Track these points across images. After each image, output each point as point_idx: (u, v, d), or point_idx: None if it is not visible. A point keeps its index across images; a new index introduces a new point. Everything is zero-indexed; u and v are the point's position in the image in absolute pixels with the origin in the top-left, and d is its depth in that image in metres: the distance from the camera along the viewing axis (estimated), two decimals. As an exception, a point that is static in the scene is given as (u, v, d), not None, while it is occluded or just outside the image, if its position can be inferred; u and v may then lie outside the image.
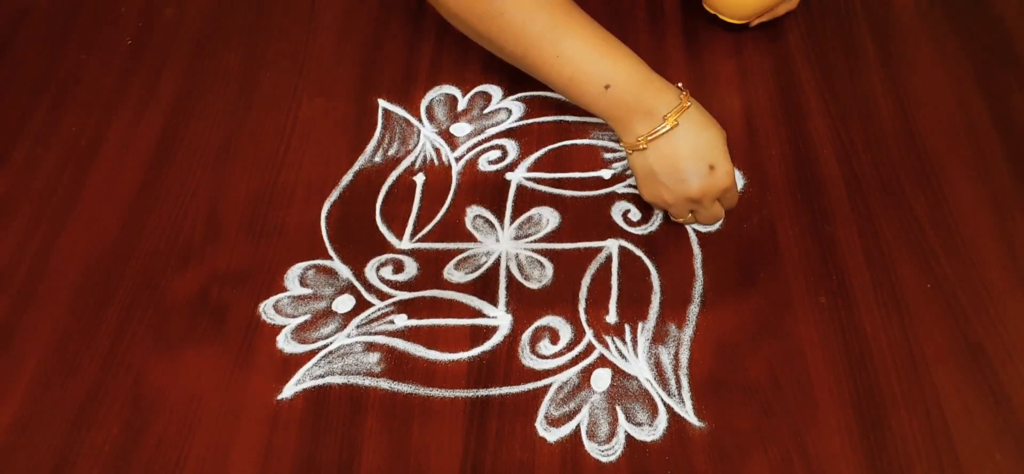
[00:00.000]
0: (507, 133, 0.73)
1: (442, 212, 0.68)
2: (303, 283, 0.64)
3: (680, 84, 0.60)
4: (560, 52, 0.59)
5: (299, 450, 0.56)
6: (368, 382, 0.59)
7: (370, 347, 0.60)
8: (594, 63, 0.59)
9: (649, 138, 0.58)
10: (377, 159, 0.72)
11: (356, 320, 0.62)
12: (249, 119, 0.75)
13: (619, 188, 0.69)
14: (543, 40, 0.59)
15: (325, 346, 0.60)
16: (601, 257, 0.65)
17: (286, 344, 0.61)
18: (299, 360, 0.60)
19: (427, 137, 0.73)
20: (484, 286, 0.63)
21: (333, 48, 0.80)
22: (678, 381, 0.58)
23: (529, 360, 0.59)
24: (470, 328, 0.61)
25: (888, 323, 0.60)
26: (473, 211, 0.68)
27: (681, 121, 0.58)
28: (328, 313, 0.62)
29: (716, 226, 0.65)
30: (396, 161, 0.71)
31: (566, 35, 0.59)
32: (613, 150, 0.71)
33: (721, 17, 0.77)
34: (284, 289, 0.64)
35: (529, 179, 0.70)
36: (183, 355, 0.60)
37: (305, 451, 0.55)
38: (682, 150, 0.58)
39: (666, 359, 0.59)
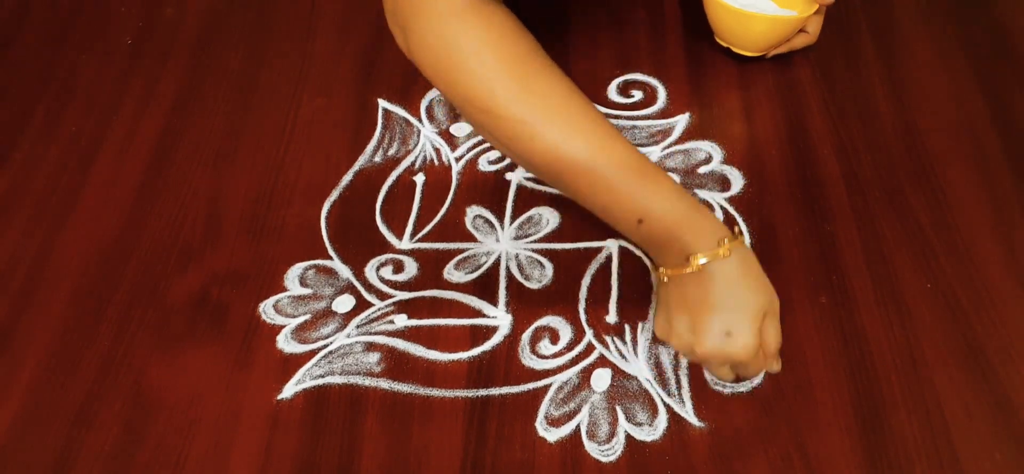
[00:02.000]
0: (507, 133, 0.73)
1: (442, 212, 0.68)
2: (303, 283, 0.64)
3: (738, 228, 0.54)
4: (594, 181, 0.53)
5: (299, 450, 0.56)
6: (368, 382, 0.59)
7: (370, 347, 0.60)
8: (628, 197, 0.53)
9: (670, 272, 0.53)
10: (377, 159, 0.72)
11: (356, 320, 0.62)
12: (249, 119, 0.75)
13: (619, 188, 0.68)
14: (577, 167, 0.52)
15: (325, 346, 0.60)
16: (601, 257, 0.65)
17: (286, 344, 0.61)
18: (299, 360, 0.60)
19: (427, 137, 0.73)
20: (484, 286, 0.63)
21: (333, 48, 0.80)
22: (678, 381, 0.58)
23: (529, 360, 0.59)
24: (470, 328, 0.61)
25: (888, 323, 0.60)
26: (473, 211, 0.68)
27: (713, 268, 0.51)
28: (328, 313, 0.62)
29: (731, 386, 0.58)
30: (396, 161, 0.71)
31: (601, 163, 0.52)
32: (613, 150, 0.71)
33: (734, 50, 0.76)
34: (284, 289, 0.64)
35: (529, 179, 0.70)
36: (183, 355, 0.60)
37: (305, 451, 0.55)
38: (700, 299, 0.52)
39: (666, 359, 0.59)
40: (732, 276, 0.51)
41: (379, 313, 0.62)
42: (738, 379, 0.57)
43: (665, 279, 0.54)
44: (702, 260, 0.51)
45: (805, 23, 0.73)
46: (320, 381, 0.59)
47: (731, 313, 0.51)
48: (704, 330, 0.52)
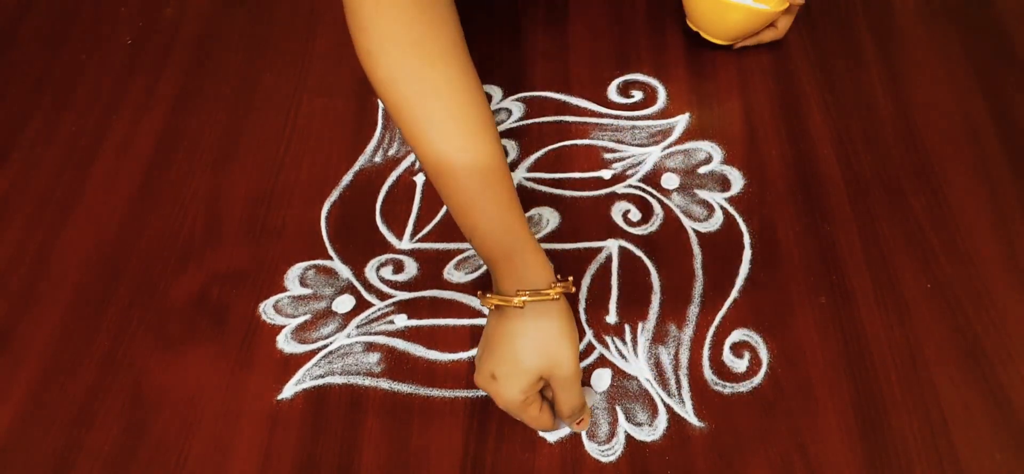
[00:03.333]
0: (507, 133, 0.73)
1: (442, 212, 0.68)
2: (303, 283, 0.64)
3: (570, 278, 0.53)
4: (444, 180, 0.53)
5: (299, 450, 0.56)
6: (368, 382, 0.59)
7: (370, 347, 0.60)
8: (465, 205, 0.53)
9: (493, 305, 0.52)
10: (377, 159, 0.72)
11: (356, 320, 0.62)
12: (249, 119, 0.75)
13: (619, 188, 0.69)
14: (435, 166, 0.53)
15: (325, 346, 0.60)
16: (601, 257, 0.65)
17: (286, 344, 0.61)
18: (299, 360, 0.60)
19: (427, 137, 0.73)
20: (484, 286, 0.63)
21: (333, 48, 0.80)
22: (678, 381, 0.58)
23: (529, 360, 0.59)
24: (470, 328, 0.61)
25: (888, 323, 0.60)
26: (473, 211, 0.68)
27: (505, 311, 0.51)
28: (328, 313, 0.62)
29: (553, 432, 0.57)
30: (396, 161, 0.71)
31: (454, 164, 0.52)
32: (613, 150, 0.71)
33: (704, 36, 0.76)
34: (284, 289, 0.64)
35: (529, 179, 0.70)
36: (183, 355, 0.60)
37: (305, 451, 0.55)
38: (488, 333, 0.53)
39: (666, 359, 0.59)
40: (518, 328, 0.51)
41: (379, 313, 0.62)
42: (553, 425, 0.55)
43: (486, 307, 0.53)
44: (522, 299, 0.50)
45: (776, 18, 0.74)
46: (320, 381, 0.59)
47: (502, 362, 0.51)
48: (479, 362, 0.53)
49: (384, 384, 0.58)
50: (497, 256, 0.52)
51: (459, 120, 0.52)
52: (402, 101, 0.52)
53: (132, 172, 0.71)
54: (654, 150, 0.71)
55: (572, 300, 0.62)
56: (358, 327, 0.61)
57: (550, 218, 0.67)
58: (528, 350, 0.51)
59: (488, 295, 0.52)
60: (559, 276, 0.53)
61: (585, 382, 0.58)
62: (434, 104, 0.52)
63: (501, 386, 0.51)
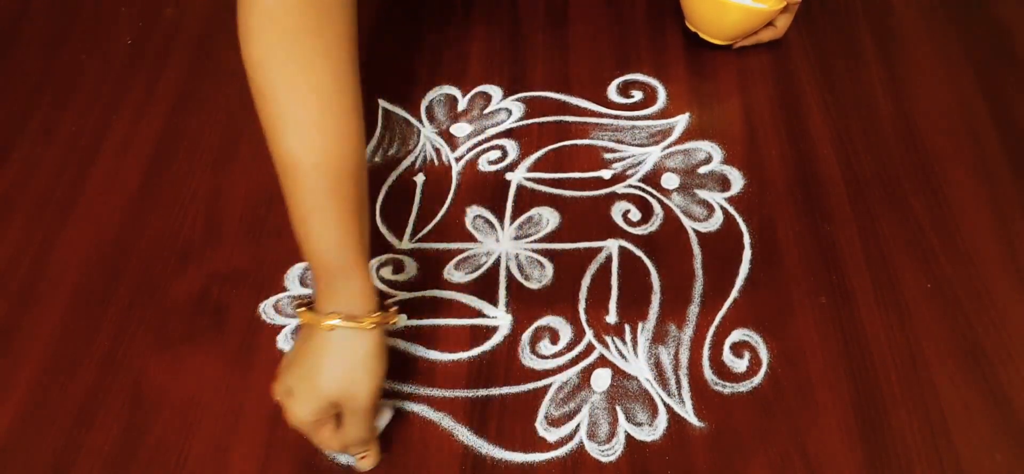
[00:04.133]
0: (507, 133, 0.73)
1: (442, 212, 0.68)
2: (303, 283, 0.64)
3: (395, 309, 0.52)
4: (285, 182, 0.51)
5: (299, 450, 0.55)
6: (368, 382, 0.59)
7: (370, 347, 0.60)
8: (302, 214, 0.51)
9: (304, 322, 0.51)
10: (377, 159, 0.72)
11: (356, 320, 0.62)
12: (249, 119, 0.74)
13: (619, 188, 0.69)
14: (281, 163, 0.51)
15: (325, 346, 0.60)
16: (601, 257, 0.65)
17: (286, 344, 0.61)
18: (299, 360, 0.60)
19: (427, 137, 0.73)
20: (484, 286, 0.63)
21: (333, 48, 0.80)
22: (678, 381, 0.58)
23: (529, 360, 0.59)
24: (470, 328, 0.61)
25: (888, 323, 0.60)
26: (473, 211, 0.68)
27: (335, 335, 0.49)
28: (328, 313, 0.62)
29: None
30: (396, 161, 0.71)
31: (299, 167, 0.50)
32: (613, 150, 0.71)
33: (702, 36, 0.76)
34: (284, 289, 0.64)
35: (529, 179, 0.70)
36: (183, 355, 0.60)
37: (305, 451, 0.55)
38: (305, 351, 0.50)
39: (666, 359, 0.59)
40: (323, 350, 0.50)
41: (379, 313, 0.62)
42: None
43: (300, 315, 0.52)
44: (332, 322, 0.49)
45: (775, 17, 0.74)
46: (320, 381, 0.59)
47: (301, 380, 0.50)
48: (280, 372, 0.51)
49: (384, 384, 0.58)
50: (322, 272, 0.51)
51: (319, 123, 0.50)
52: (266, 87, 0.51)
53: (132, 172, 0.71)
54: (654, 150, 0.71)
55: (572, 300, 0.62)
56: (358, 327, 0.61)
57: (550, 218, 0.67)
58: (327, 375, 0.49)
59: (302, 308, 0.51)
60: (391, 305, 0.52)
61: (585, 382, 0.58)
62: (297, 99, 0.50)
63: (295, 403, 0.50)
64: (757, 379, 0.58)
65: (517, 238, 0.66)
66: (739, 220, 0.66)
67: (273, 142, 0.51)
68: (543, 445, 0.55)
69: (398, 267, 0.65)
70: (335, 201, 0.51)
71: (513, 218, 0.67)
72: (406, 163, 0.71)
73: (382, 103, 0.75)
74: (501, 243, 0.66)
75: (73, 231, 0.68)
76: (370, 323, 0.50)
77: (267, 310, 0.62)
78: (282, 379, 0.51)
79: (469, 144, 0.72)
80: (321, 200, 0.50)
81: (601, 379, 0.58)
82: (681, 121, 0.73)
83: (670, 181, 0.69)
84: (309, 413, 0.50)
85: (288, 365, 0.51)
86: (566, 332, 0.61)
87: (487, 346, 0.60)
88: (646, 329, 0.60)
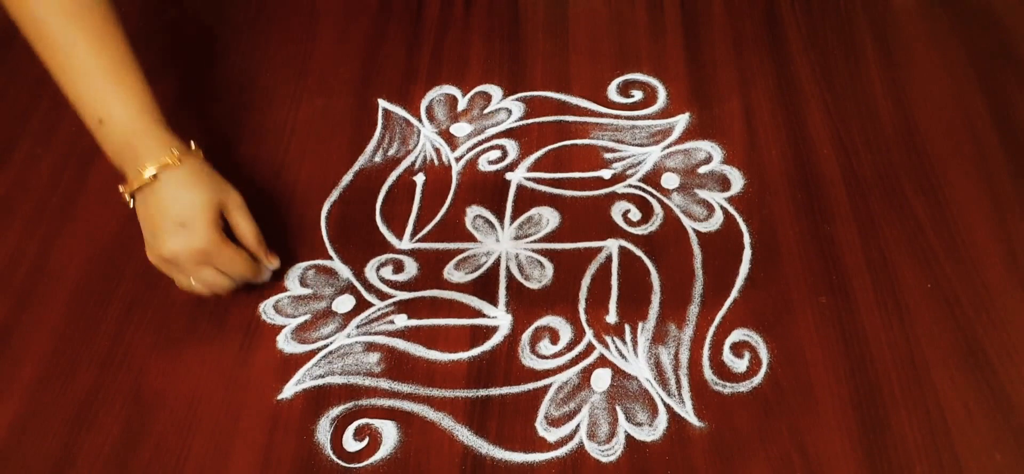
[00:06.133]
0: (507, 133, 0.73)
1: (442, 212, 0.68)
2: (303, 283, 0.64)
3: (192, 143, 0.57)
4: (69, 69, 0.56)
5: (299, 450, 0.56)
6: (368, 382, 0.59)
7: (370, 347, 0.60)
8: (93, 91, 0.56)
9: (132, 191, 0.57)
10: (377, 159, 0.72)
11: (356, 320, 0.62)
12: (249, 119, 0.75)
13: (619, 188, 0.69)
14: (60, 55, 0.56)
15: (325, 346, 0.60)
16: (601, 257, 0.65)
17: (286, 344, 0.61)
18: (299, 360, 0.60)
19: (427, 137, 0.73)
20: (484, 286, 0.63)
21: (333, 48, 0.80)
22: (678, 381, 0.58)
23: (529, 360, 0.59)
24: (470, 328, 0.61)
25: (888, 323, 0.60)
26: (473, 211, 0.68)
27: (162, 176, 0.55)
28: (328, 313, 0.62)
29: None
30: (396, 161, 0.71)
31: (80, 54, 0.55)
32: (613, 150, 0.71)
33: None
34: (284, 289, 0.64)
35: (529, 179, 0.70)
36: (183, 355, 0.60)
37: (305, 451, 0.55)
38: (154, 207, 0.56)
39: (666, 359, 0.59)
40: (180, 179, 0.56)
41: (379, 313, 0.62)
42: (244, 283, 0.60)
43: (130, 201, 0.57)
44: (150, 171, 0.55)
45: None
46: (320, 381, 0.59)
47: (183, 209, 0.55)
48: (162, 231, 0.56)
49: (384, 384, 0.58)
50: (134, 134, 0.56)
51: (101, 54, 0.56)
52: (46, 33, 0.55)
53: (132, 172, 0.71)
54: (654, 150, 0.71)
55: (572, 300, 0.62)
56: (358, 327, 0.61)
57: (550, 218, 0.67)
58: (198, 190, 0.55)
59: (122, 187, 0.56)
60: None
61: (585, 382, 0.58)
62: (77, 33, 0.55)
63: (195, 228, 0.55)
64: (757, 379, 0.58)
65: (517, 238, 0.66)
66: (739, 220, 0.66)
67: (19, 10, 0.55)
68: (543, 445, 0.55)
69: (398, 267, 0.65)
70: (98, 67, 0.56)
71: (513, 218, 0.67)
72: (406, 163, 0.71)
73: (382, 103, 0.75)
74: (501, 243, 0.66)
75: (73, 231, 0.68)
76: (196, 150, 0.57)
77: (267, 310, 0.62)
78: (154, 248, 0.56)
79: (469, 144, 0.72)
80: (89, 69, 0.56)
81: (601, 379, 0.58)
82: (681, 121, 0.73)
83: (670, 181, 0.69)
84: (209, 224, 0.55)
85: (150, 238, 0.56)
86: (566, 332, 0.61)
87: (487, 346, 0.60)
88: (646, 329, 0.60)
